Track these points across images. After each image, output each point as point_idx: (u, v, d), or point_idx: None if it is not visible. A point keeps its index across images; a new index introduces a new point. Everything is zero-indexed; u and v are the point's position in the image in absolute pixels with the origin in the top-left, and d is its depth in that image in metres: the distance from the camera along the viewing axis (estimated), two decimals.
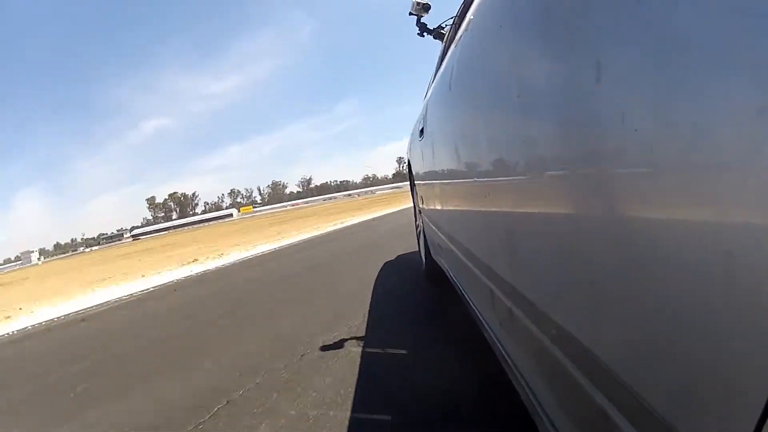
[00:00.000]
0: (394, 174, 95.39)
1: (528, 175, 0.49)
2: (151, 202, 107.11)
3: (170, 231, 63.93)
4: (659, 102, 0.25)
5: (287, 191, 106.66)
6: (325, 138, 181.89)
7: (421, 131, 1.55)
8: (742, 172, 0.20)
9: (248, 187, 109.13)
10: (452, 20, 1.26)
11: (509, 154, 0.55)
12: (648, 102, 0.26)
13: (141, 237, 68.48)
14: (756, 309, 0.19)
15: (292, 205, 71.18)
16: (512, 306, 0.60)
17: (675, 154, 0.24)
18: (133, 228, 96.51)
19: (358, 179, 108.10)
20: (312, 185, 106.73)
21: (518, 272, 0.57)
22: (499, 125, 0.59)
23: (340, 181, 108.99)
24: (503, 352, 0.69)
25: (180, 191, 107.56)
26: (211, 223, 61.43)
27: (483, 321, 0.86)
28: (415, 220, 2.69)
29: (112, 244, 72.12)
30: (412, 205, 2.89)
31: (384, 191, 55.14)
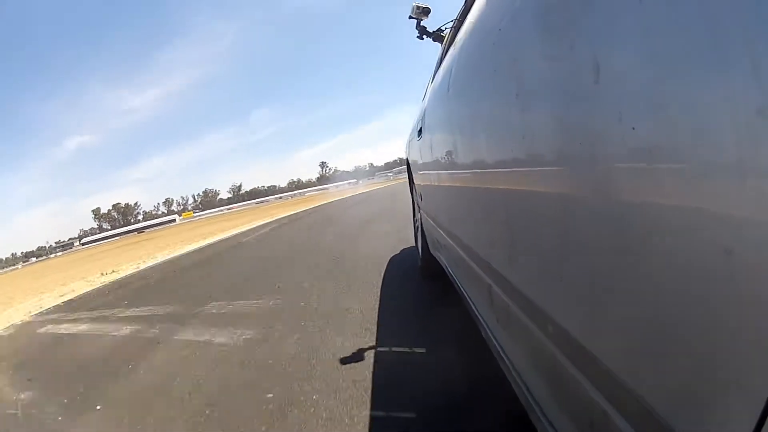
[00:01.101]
0: (318, 177, 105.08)
1: (526, 173, 0.49)
2: (96, 212, 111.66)
3: (120, 237, 64.54)
4: (657, 101, 0.25)
5: (219, 198, 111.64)
6: (245, 145, 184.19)
7: (420, 131, 1.56)
8: (742, 170, 0.19)
9: (183, 195, 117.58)
10: (452, 23, 1.26)
11: (508, 152, 0.55)
12: (646, 101, 0.26)
13: (90, 244, 69.89)
14: (756, 308, 0.19)
15: (228, 209, 75.88)
16: (510, 303, 0.60)
17: (673, 152, 0.24)
18: (81, 237, 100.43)
19: (283, 183, 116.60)
20: (242, 191, 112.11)
21: (516, 270, 0.57)
22: (497, 124, 0.59)
23: (268, 186, 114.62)
24: (500, 350, 0.69)
25: (115, 202, 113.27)
26: (157, 228, 62.18)
27: (480, 318, 0.86)
28: (413, 216, 2.70)
29: (66, 251, 73.25)
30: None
31: (312, 192, 59.98)
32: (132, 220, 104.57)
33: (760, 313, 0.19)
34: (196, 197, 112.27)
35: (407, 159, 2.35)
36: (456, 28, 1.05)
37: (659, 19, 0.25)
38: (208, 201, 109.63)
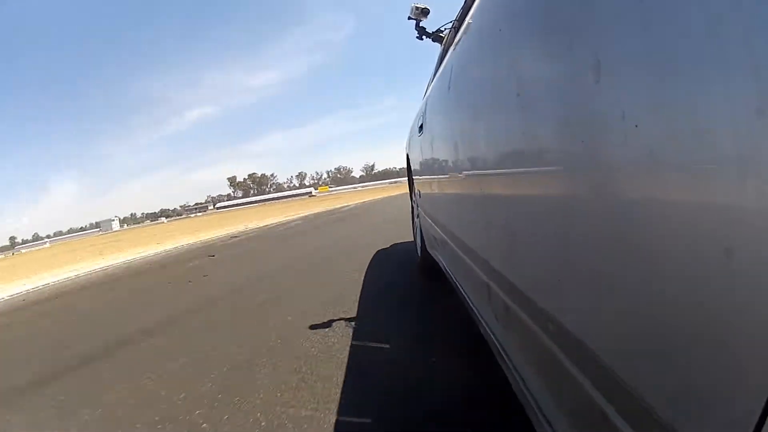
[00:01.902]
0: None
1: (526, 171, 0.49)
2: (231, 180, 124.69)
3: (255, 205, 70.19)
4: (658, 100, 0.25)
5: (351, 175, 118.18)
6: (370, 128, 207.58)
7: (420, 127, 1.56)
8: (743, 168, 0.19)
9: (317, 171, 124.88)
10: (451, 24, 1.27)
11: (506, 150, 0.55)
12: (647, 100, 0.26)
13: (223, 209, 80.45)
14: (756, 308, 0.19)
15: (362, 186, 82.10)
16: (509, 301, 0.60)
17: (674, 150, 0.24)
18: (215, 202, 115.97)
19: None
20: (375, 170, 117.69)
21: (515, 268, 0.57)
22: (496, 123, 0.59)
23: (399, 168, 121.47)
24: (499, 348, 0.69)
25: (252, 172, 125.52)
26: (292, 199, 66.13)
27: (479, 316, 0.86)
28: (412, 214, 2.71)
29: (192, 215, 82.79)
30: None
31: None
32: (266, 190, 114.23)
33: (760, 312, 0.19)
34: (329, 173, 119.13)
35: (407, 155, 2.35)
36: (455, 28, 1.05)
37: (659, 19, 0.25)
38: (341, 178, 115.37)
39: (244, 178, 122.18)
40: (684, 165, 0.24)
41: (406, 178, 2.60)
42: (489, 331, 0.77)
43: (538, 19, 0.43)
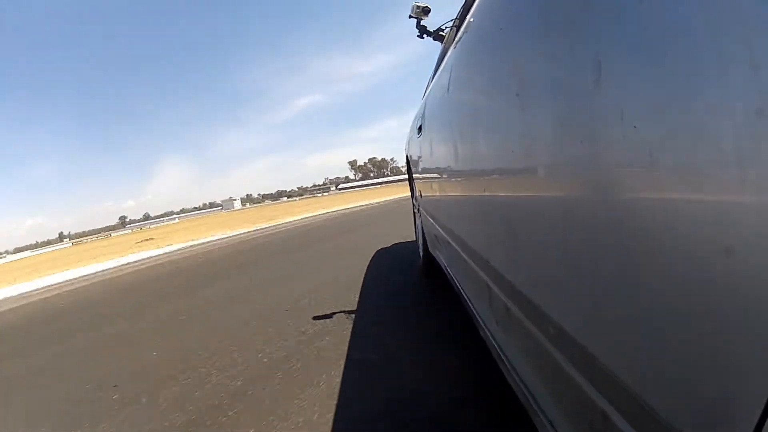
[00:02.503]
0: None
1: (526, 172, 0.49)
2: (352, 164, 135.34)
3: (374, 187, 74.19)
4: (658, 100, 0.25)
5: None
6: None
7: (420, 128, 1.56)
8: (743, 169, 0.19)
9: None
10: (452, 22, 1.26)
11: (507, 151, 0.55)
12: (647, 100, 0.26)
13: (344, 190, 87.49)
14: (756, 308, 0.19)
15: None
16: (509, 303, 0.60)
17: (674, 151, 0.24)
18: (337, 183, 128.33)
19: None
20: None
21: (516, 269, 0.57)
22: (497, 123, 0.59)
23: None
24: (499, 351, 0.69)
25: (372, 156, 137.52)
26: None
27: (479, 318, 0.86)
28: (413, 215, 2.71)
29: (317, 195, 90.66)
30: None
31: None
32: (385, 173, 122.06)
33: (760, 313, 0.19)
34: None
35: (407, 156, 2.35)
36: (456, 27, 1.05)
37: (659, 19, 0.25)
38: None
39: (365, 162, 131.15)
40: (683, 165, 0.24)
41: (407, 178, 2.63)
42: (489, 334, 0.77)
43: (538, 18, 0.43)
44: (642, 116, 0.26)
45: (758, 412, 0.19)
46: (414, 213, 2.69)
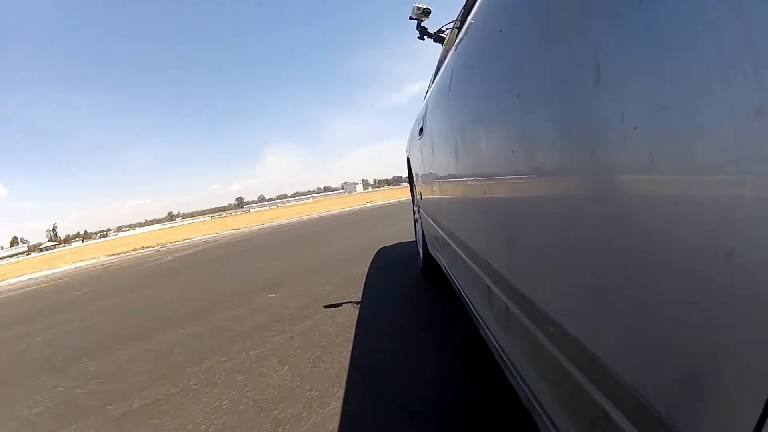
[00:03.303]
0: None
1: (527, 173, 0.49)
2: None
3: None
4: (658, 101, 0.25)
5: None
6: None
7: (421, 130, 1.56)
8: (743, 169, 0.19)
9: None
10: (453, 24, 1.26)
11: (508, 152, 0.55)
12: (647, 101, 0.26)
13: None
14: (756, 308, 0.19)
15: None
16: (510, 303, 0.60)
17: (674, 152, 0.24)
18: None
19: None
20: None
21: (516, 269, 0.57)
22: (498, 124, 0.59)
23: None
24: (500, 351, 0.69)
25: None
26: None
27: (479, 318, 0.86)
28: (413, 216, 2.71)
29: None
30: None
31: None
32: None
33: (760, 313, 0.19)
34: None
35: (407, 158, 2.35)
36: (457, 29, 1.05)
37: (659, 19, 0.25)
38: None
39: None
40: (683, 166, 0.24)
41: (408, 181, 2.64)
42: (489, 334, 0.77)
43: (539, 20, 0.43)
44: (642, 117, 0.26)
45: (758, 412, 0.19)
46: (414, 216, 2.68)
